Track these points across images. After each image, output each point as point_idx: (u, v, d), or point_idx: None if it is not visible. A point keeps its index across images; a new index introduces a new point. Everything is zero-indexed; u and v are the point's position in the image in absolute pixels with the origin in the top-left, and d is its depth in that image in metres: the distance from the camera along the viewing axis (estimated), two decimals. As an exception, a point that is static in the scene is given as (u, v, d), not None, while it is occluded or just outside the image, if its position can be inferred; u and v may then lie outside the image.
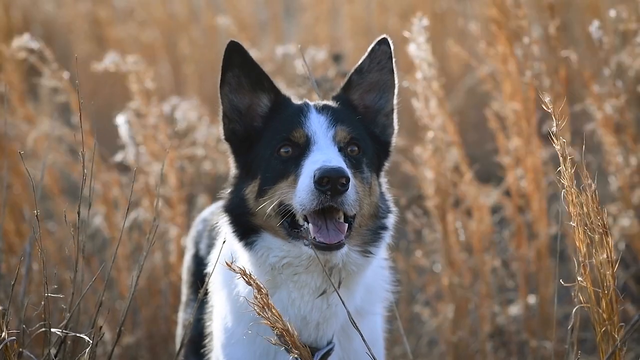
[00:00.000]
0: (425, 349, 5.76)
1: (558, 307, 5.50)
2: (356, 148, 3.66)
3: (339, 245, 3.47)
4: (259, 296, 3.36)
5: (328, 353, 3.70)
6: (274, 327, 3.39)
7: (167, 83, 9.30)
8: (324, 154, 3.51)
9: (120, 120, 5.63)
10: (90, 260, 5.87)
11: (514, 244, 5.63)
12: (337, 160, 3.46)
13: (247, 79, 3.75)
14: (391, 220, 3.76)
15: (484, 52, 5.54)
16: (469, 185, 5.54)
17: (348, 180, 3.40)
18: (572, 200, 3.51)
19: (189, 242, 4.60)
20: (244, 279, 3.38)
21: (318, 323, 3.63)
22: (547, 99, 3.48)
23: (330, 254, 3.49)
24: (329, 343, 3.69)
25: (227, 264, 3.41)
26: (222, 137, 3.86)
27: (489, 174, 6.54)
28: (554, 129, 3.48)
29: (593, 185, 3.47)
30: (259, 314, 3.37)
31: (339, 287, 3.56)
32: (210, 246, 4.15)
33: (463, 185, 5.55)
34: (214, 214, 4.35)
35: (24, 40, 5.64)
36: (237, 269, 3.39)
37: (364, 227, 3.66)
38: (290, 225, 3.55)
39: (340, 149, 3.60)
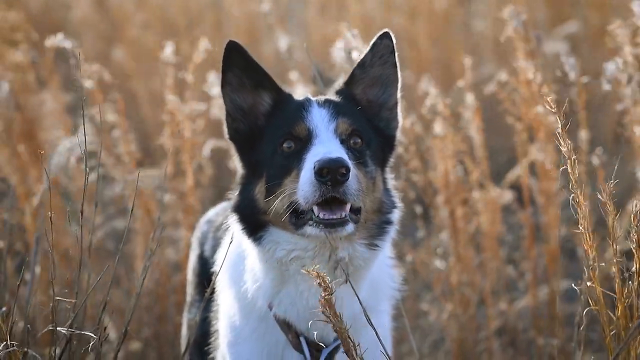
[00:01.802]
0: (431, 346, 5.75)
1: (566, 305, 5.48)
2: (359, 140, 3.66)
3: (343, 222, 3.47)
4: (324, 294, 3.34)
5: (336, 349, 3.71)
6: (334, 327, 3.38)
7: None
8: (325, 146, 3.52)
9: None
10: (106, 258, 5.87)
11: (525, 243, 5.60)
12: (337, 152, 3.47)
13: (248, 78, 3.77)
14: (396, 215, 3.77)
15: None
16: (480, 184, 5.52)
17: (348, 170, 3.41)
18: (579, 205, 3.51)
19: (193, 243, 4.61)
20: (316, 281, 3.36)
21: (326, 315, 3.63)
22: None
23: (335, 232, 3.48)
24: (337, 339, 3.68)
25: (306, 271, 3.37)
26: (226, 136, 3.88)
27: (500, 171, 6.50)
28: (559, 129, 3.47)
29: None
30: (322, 312, 3.36)
31: (345, 282, 3.56)
32: (215, 247, 4.16)
33: (473, 182, 5.53)
34: (219, 215, 4.39)
35: (58, 39, 5.56)
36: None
37: (369, 222, 3.67)
38: (296, 217, 3.55)
39: (342, 142, 3.60)
